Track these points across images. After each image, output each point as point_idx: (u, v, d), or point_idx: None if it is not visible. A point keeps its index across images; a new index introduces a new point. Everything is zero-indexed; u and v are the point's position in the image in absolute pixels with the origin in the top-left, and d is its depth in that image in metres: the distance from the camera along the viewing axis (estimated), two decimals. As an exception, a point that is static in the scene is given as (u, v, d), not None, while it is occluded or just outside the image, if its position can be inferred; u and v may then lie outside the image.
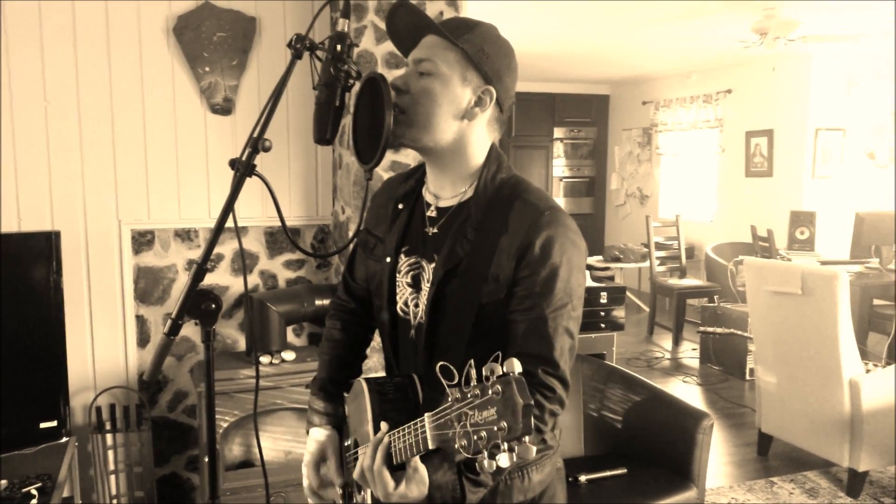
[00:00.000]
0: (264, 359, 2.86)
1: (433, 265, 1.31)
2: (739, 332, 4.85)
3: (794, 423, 3.62)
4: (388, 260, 1.38)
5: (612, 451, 2.83)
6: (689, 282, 6.58)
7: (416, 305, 1.34)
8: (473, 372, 0.94)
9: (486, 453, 0.90)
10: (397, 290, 1.37)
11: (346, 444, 1.44)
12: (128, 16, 2.86)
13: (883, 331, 5.12)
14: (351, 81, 1.29)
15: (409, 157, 2.95)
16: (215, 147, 3.06)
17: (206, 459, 2.41)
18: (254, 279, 3.18)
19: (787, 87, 6.69)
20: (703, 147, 7.78)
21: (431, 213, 1.36)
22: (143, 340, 3.01)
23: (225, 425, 2.69)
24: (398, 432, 1.11)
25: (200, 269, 1.27)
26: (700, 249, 7.44)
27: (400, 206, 1.42)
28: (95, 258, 2.90)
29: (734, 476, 3.67)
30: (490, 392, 0.90)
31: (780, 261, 4.88)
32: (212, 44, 2.97)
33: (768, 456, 3.86)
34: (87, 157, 2.87)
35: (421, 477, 1.10)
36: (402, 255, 1.37)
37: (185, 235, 3.06)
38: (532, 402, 0.89)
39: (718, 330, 4.84)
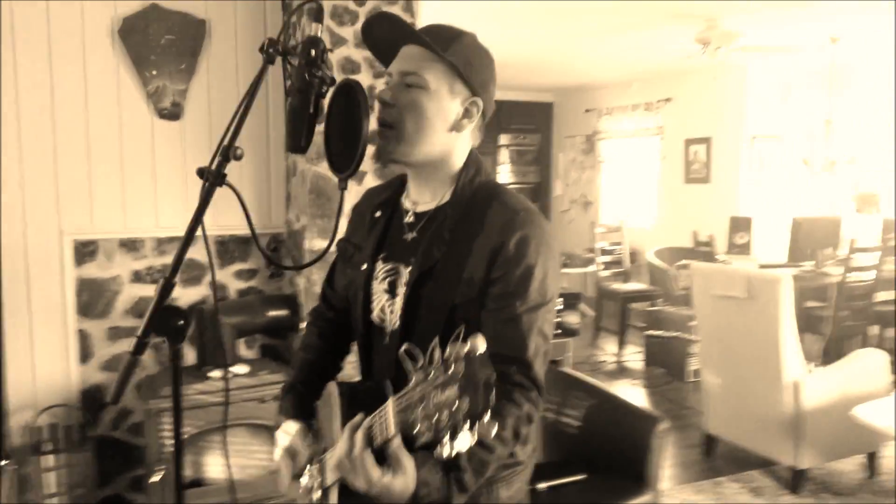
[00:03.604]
0: (215, 373, 2.77)
1: (409, 269, 1.30)
2: (685, 336, 4.97)
3: (738, 423, 3.72)
4: (365, 267, 1.37)
5: (570, 457, 2.85)
6: (633, 286, 6.71)
7: (392, 312, 1.32)
8: (437, 353, 0.92)
9: (447, 436, 0.87)
10: (373, 298, 1.36)
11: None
12: (70, 17, 2.74)
13: (816, 331, 5.32)
14: (325, 88, 1.26)
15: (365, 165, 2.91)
16: (163, 153, 2.96)
17: (160, 479, 2.32)
18: (202, 290, 3.08)
19: (724, 97, 6.91)
20: (644, 154, 7.96)
21: (409, 218, 1.36)
22: (85, 356, 2.88)
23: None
24: (368, 420, 1.08)
25: (168, 283, 1.21)
26: (642, 254, 7.59)
27: (377, 214, 1.42)
28: (35, 270, 2.76)
29: (680, 477, 3.74)
30: (451, 371, 0.87)
31: (725, 265, 5.02)
32: (159, 47, 2.87)
33: (713, 456, 3.95)
34: (26, 163, 2.73)
35: (406, 469, 1.05)
36: (380, 262, 1.36)
37: (130, 246, 2.95)
38: (494, 375, 0.87)
39: (665, 333, 4.94)
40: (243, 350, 3.11)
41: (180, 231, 2.98)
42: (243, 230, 3.08)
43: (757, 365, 3.53)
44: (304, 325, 2.84)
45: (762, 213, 6.60)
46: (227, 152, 1.23)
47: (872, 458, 3.60)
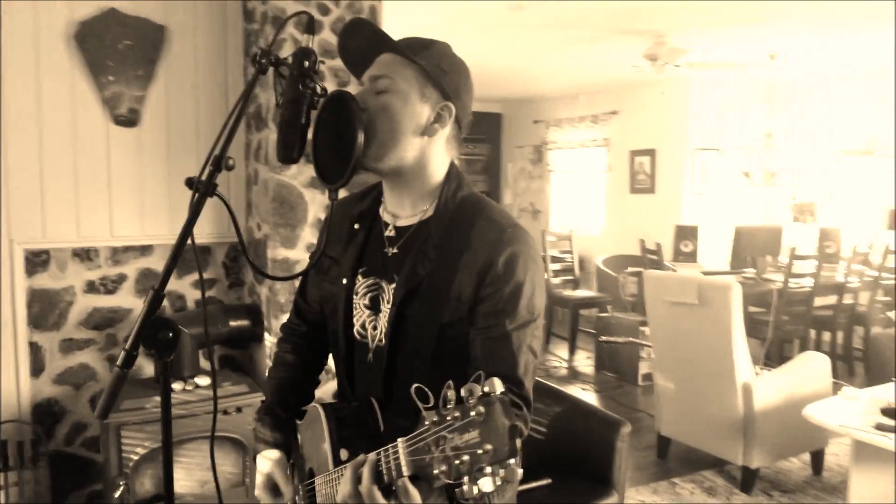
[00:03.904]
0: (176, 385, 2.71)
1: (393, 286, 1.28)
2: (639, 341, 5.08)
3: (691, 425, 3.84)
4: (345, 281, 1.34)
5: (535, 462, 2.88)
6: (583, 293, 6.84)
7: (375, 328, 1.31)
8: (451, 393, 0.90)
9: (467, 478, 0.86)
10: (354, 313, 1.34)
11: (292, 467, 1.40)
12: (23, 19, 2.65)
13: (758, 335, 5.52)
14: (317, 99, 1.26)
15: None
16: (119, 161, 2.88)
17: (120, 495, 2.25)
18: (160, 300, 3.00)
19: (668, 110, 7.12)
20: (591, 165, 8.13)
21: (390, 232, 1.33)
22: (37, 369, 2.77)
23: (135, 458, 2.52)
24: (374, 456, 1.06)
25: (157, 295, 1.18)
26: (590, 262, 7.75)
27: (356, 227, 1.38)
28: (-16, 281, 2.65)
29: (635, 479, 3.82)
30: (472, 414, 0.86)
31: (677, 273, 5.16)
32: (117, 52, 2.80)
33: (667, 458, 4.06)
34: (-26, 170, 2.63)
35: (414, 500, 1.02)
36: (360, 277, 1.34)
37: (84, 255, 2.86)
38: (517, 424, 0.87)
39: (620, 339, 5.06)
40: (202, 361, 3.05)
41: (136, 240, 2.93)
42: (200, 239, 3.03)
43: (709, 369, 3.65)
44: (267, 335, 2.82)
45: (705, 222, 6.82)
46: (218, 162, 1.20)
47: (816, 456, 3.76)
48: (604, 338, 5.41)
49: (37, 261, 2.77)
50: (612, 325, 5.64)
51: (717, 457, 3.74)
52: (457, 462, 0.86)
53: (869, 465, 2.89)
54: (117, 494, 2.42)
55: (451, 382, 0.91)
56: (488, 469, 0.85)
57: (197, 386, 2.72)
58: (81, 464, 2.86)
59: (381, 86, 1.26)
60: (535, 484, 2.64)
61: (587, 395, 5.29)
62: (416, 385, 0.94)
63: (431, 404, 0.93)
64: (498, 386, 0.88)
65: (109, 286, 2.91)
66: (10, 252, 2.70)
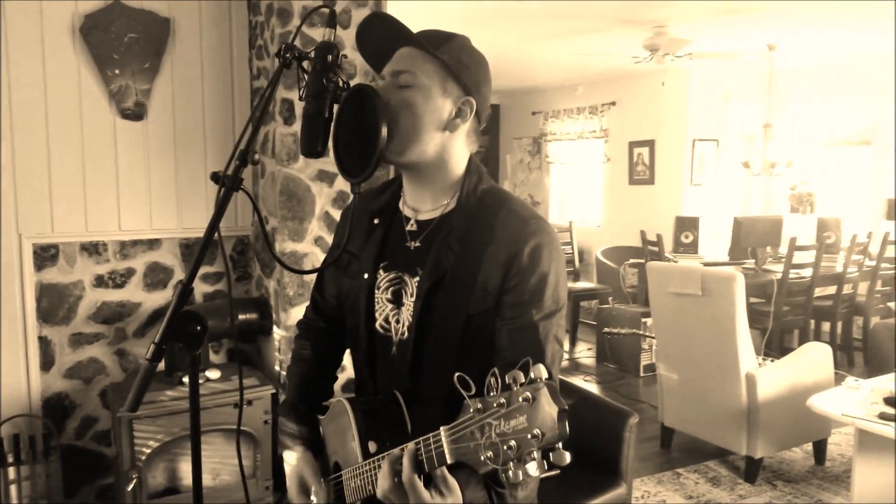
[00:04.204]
0: (187, 379, 2.71)
1: (417, 279, 1.29)
2: (643, 333, 5.10)
3: (695, 416, 3.86)
4: (366, 276, 1.35)
5: (543, 453, 2.90)
6: (583, 284, 6.85)
7: (398, 321, 1.31)
8: (494, 381, 0.91)
9: (513, 463, 0.87)
10: (376, 307, 1.34)
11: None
12: (28, 13, 2.64)
13: (758, 326, 5.55)
14: (339, 93, 1.26)
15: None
16: (126, 154, 2.88)
17: (132, 487, 2.26)
18: (168, 294, 3.01)
19: (666, 101, 7.12)
20: (589, 156, 8.13)
21: (411, 227, 1.34)
22: (46, 364, 2.78)
23: (148, 451, 2.53)
24: (412, 446, 1.07)
25: (186, 289, 1.19)
26: (589, 253, 7.76)
27: (375, 221, 1.39)
28: (-6, 275, 2.65)
29: (639, 470, 3.84)
30: (519, 399, 0.87)
31: (680, 264, 5.18)
32: (122, 45, 2.79)
33: (671, 448, 4.09)
34: (-17, 165, 2.63)
35: (455, 491, 1.04)
36: (381, 271, 1.34)
37: (92, 249, 2.86)
38: (566, 408, 0.87)
39: (624, 331, 5.07)
40: (211, 355, 3.06)
41: (144, 234, 2.94)
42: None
43: (712, 359, 3.67)
44: (275, 328, 2.82)
45: (705, 213, 6.84)
46: (244, 156, 1.21)
47: (819, 446, 3.79)
48: (607, 330, 5.42)
49: (45, 255, 2.77)
50: (613, 317, 5.66)
51: (721, 447, 3.76)
52: (504, 448, 0.87)
53: (872, 455, 2.91)
54: (129, 488, 2.43)
55: (494, 370, 0.92)
56: (536, 454, 0.85)
57: (208, 379, 2.73)
58: (92, 457, 2.87)
59: (402, 80, 1.26)
60: (544, 475, 2.66)
61: (589, 387, 5.31)
62: (457, 374, 0.94)
63: (473, 392, 0.93)
64: (543, 372, 0.88)
65: (118, 280, 2.91)
66: (19, 246, 2.70)
